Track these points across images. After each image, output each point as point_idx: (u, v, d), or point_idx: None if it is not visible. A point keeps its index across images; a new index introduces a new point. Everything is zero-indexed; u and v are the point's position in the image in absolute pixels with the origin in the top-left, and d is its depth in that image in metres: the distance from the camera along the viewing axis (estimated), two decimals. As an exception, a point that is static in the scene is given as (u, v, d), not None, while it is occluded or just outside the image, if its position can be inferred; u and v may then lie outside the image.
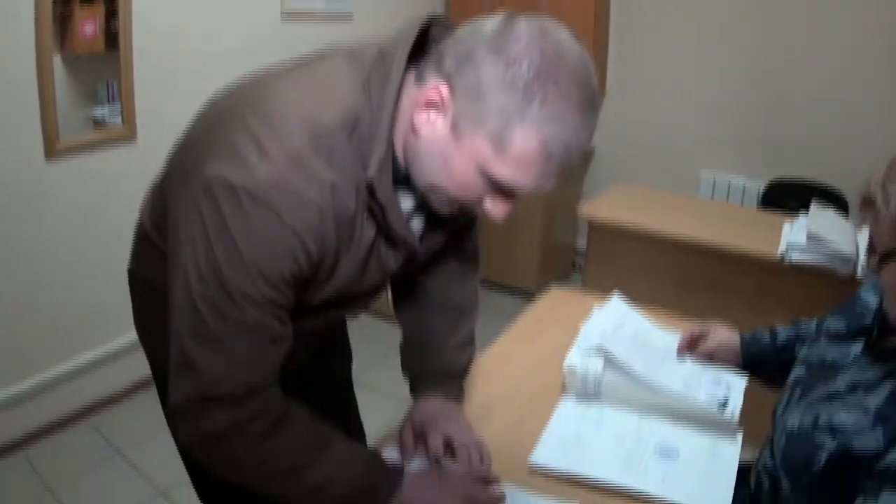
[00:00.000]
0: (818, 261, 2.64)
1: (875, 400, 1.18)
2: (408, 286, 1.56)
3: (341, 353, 1.80)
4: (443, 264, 1.54)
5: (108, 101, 2.91)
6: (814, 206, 2.94)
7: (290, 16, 3.58)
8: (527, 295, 4.10)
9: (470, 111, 1.04)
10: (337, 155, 1.08)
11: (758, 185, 3.95)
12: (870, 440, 1.13)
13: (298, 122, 1.06)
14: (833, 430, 1.19)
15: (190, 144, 1.17)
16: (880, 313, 1.30)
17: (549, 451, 1.47)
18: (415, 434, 1.46)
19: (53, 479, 2.80)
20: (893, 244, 1.11)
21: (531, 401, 1.65)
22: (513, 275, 4.31)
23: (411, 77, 1.13)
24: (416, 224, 1.28)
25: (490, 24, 1.06)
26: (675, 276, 3.01)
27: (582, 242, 4.08)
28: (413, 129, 1.11)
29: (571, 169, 4.04)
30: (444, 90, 1.06)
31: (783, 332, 1.65)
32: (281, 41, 3.51)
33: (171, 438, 1.28)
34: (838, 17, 3.61)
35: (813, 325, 1.60)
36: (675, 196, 3.52)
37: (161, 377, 1.19)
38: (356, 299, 1.31)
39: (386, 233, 1.19)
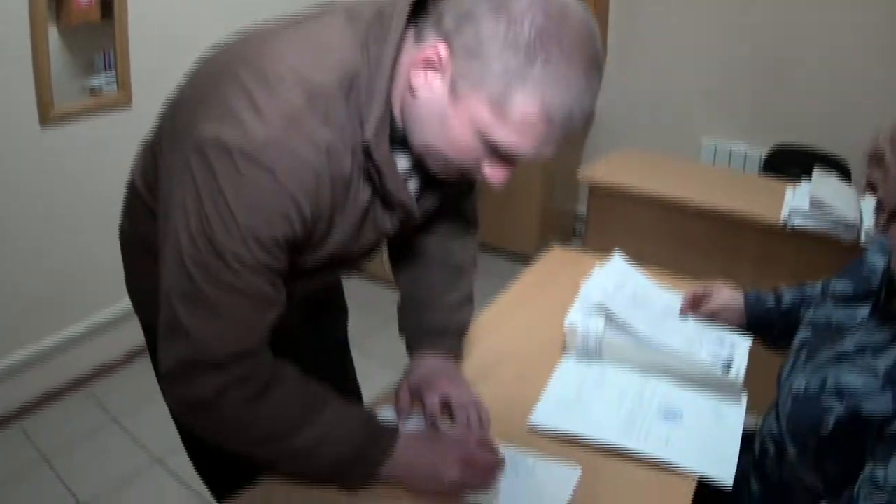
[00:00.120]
0: (821, 227, 2.62)
1: (885, 362, 1.16)
2: (406, 246, 1.53)
3: (337, 314, 1.77)
4: (441, 224, 1.51)
5: (105, 70, 2.89)
6: (817, 173, 2.92)
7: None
8: (526, 260, 4.08)
9: (469, 72, 1.02)
10: (333, 115, 1.05)
11: (759, 152, 3.92)
12: (879, 403, 1.11)
13: (294, 80, 1.03)
14: (841, 393, 1.16)
15: (182, 102, 1.14)
16: (888, 275, 1.28)
17: (549, 412, 1.44)
18: (411, 394, 1.43)
19: (50, 449, 2.80)
20: None
21: (531, 360, 1.62)
22: (512, 240, 4.29)
23: (410, 36, 1.10)
24: (413, 185, 1.26)
25: None
26: (676, 241, 2.99)
27: (582, 209, 4.06)
28: (410, 90, 1.09)
29: (573, 135, 4.05)
30: (443, 49, 1.04)
31: (788, 293, 1.62)
32: (280, 3, 3.45)
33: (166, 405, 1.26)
34: (842, -18, 3.56)
35: (818, 287, 1.58)
36: (677, 161, 3.49)
37: (153, 341, 1.17)
38: (351, 261, 1.29)
39: (382, 195, 1.17)
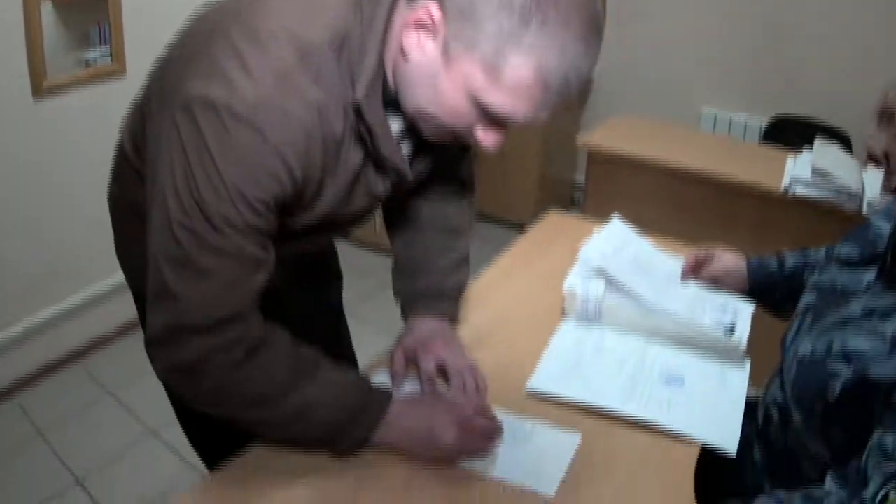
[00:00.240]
0: (823, 196, 2.60)
1: (892, 326, 1.13)
2: (401, 209, 1.51)
3: (331, 280, 1.75)
4: (437, 188, 1.49)
5: (101, 43, 2.88)
6: (818, 142, 2.89)
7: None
8: (523, 229, 4.08)
9: (462, 34, 0.99)
10: (325, 74, 1.04)
11: (759, 123, 3.89)
12: (888, 368, 1.09)
13: (286, 38, 1.01)
14: (848, 357, 1.14)
15: (171, 62, 1.11)
16: (894, 239, 1.25)
17: (548, 377, 1.42)
18: (406, 357, 1.41)
19: (45, 423, 2.80)
20: None
21: (529, 325, 1.60)
22: (509, 208, 4.28)
23: None
24: (406, 148, 1.24)
25: None
26: (676, 208, 2.97)
27: (580, 177, 4.03)
28: (402, 53, 1.06)
29: (570, 101, 4.01)
30: (435, 10, 1.01)
31: (791, 257, 1.60)
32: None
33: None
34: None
35: (822, 252, 1.56)
36: (677, 128, 3.47)
37: (143, 307, 1.15)
38: (341, 225, 1.27)
39: (374, 157, 1.15)
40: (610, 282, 1.56)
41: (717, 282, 1.63)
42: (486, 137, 1.10)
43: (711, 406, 1.37)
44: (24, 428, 2.77)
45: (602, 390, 1.38)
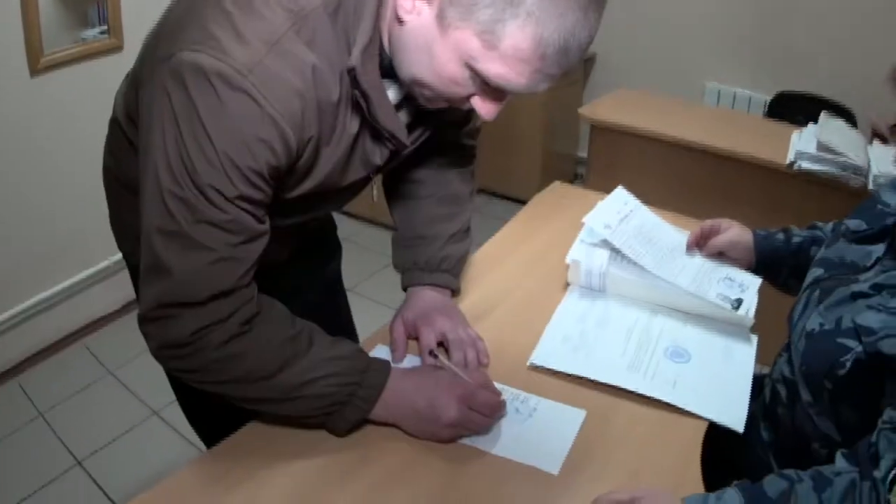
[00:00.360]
0: (829, 170, 2.57)
1: None
2: (401, 178, 1.49)
3: (329, 251, 1.73)
4: (437, 155, 1.47)
5: (100, 22, 2.86)
6: (823, 117, 2.86)
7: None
8: (526, 204, 4.08)
9: (458, 0, 0.96)
10: (319, 38, 1.02)
11: (763, 98, 3.87)
12: None
13: (279, 2, 0.99)
14: (858, 334, 1.12)
15: (163, 29, 1.09)
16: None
17: (551, 351, 1.40)
18: (406, 331, 1.39)
19: (45, 403, 2.79)
20: None
21: (532, 297, 1.58)
22: (512, 184, 4.26)
23: None
24: (403, 117, 1.21)
25: None
26: (680, 181, 2.95)
27: (583, 152, 4.00)
28: (397, 18, 1.04)
29: (571, 75, 3.97)
30: None
31: (798, 232, 1.57)
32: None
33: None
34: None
35: (829, 227, 1.53)
36: (681, 101, 3.44)
37: (139, 282, 1.13)
38: (338, 194, 1.24)
39: (371, 125, 1.13)
40: (614, 252, 1.54)
41: (723, 255, 1.60)
42: (482, 107, 1.08)
43: (718, 382, 1.35)
44: (24, 408, 2.76)
45: (607, 364, 1.36)
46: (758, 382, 1.39)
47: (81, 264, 3.07)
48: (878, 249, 1.28)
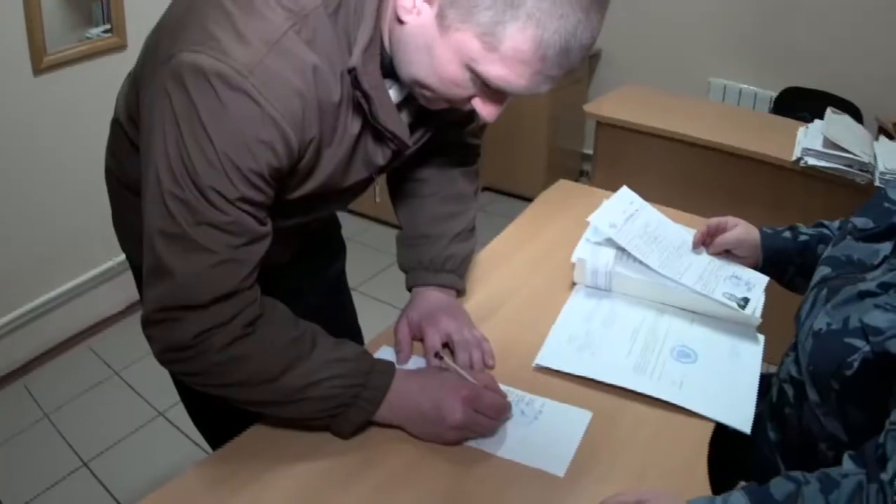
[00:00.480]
0: (835, 167, 2.56)
1: None
2: (405, 176, 1.48)
3: (332, 251, 1.72)
4: (442, 154, 1.46)
5: (105, 20, 2.86)
6: (829, 113, 2.85)
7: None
8: (531, 202, 4.07)
9: (458, 1, 0.96)
10: (320, 38, 1.01)
11: (769, 95, 3.87)
12: None
13: (278, 1, 0.99)
14: (866, 333, 1.11)
15: (164, 29, 1.08)
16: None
17: (557, 352, 1.39)
18: (411, 332, 1.39)
19: (51, 405, 2.80)
20: None
21: (538, 296, 1.58)
22: (517, 181, 4.26)
23: None
24: (405, 116, 1.21)
25: None
26: (686, 178, 2.95)
27: (589, 149, 4.01)
28: (398, 18, 1.03)
29: (576, 72, 3.96)
30: None
31: (805, 230, 1.56)
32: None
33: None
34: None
35: (836, 224, 1.53)
36: (686, 97, 3.45)
37: (142, 284, 1.13)
38: (340, 195, 1.24)
39: (373, 126, 1.12)
40: (620, 251, 1.54)
41: (729, 253, 1.59)
42: (483, 108, 1.08)
43: (725, 383, 1.34)
44: (30, 409, 2.77)
45: (613, 365, 1.36)
46: (765, 382, 1.39)
47: (86, 265, 3.07)
48: (885, 248, 1.27)
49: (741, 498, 1.02)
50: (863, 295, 1.17)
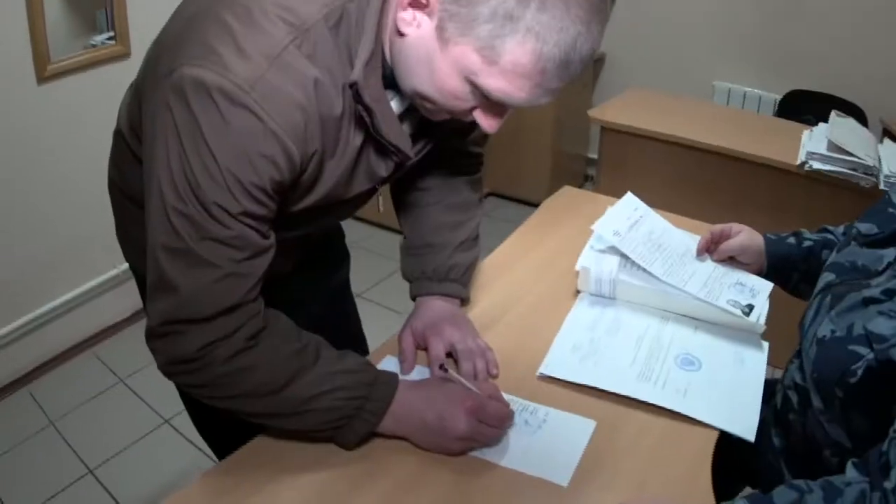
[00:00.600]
0: (840, 170, 2.56)
1: None
2: (408, 186, 1.48)
3: (336, 259, 1.72)
4: (445, 163, 1.46)
5: (109, 27, 2.87)
6: (834, 116, 2.84)
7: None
8: (536, 207, 4.07)
9: (457, 14, 0.96)
10: (321, 52, 1.01)
11: (773, 98, 3.87)
12: None
13: (279, 16, 0.99)
14: (870, 341, 1.10)
15: (165, 42, 1.08)
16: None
17: (561, 361, 1.39)
18: (415, 341, 1.39)
19: (57, 412, 2.80)
20: None
21: (542, 304, 1.57)
22: (521, 186, 4.27)
23: None
24: (408, 127, 1.21)
25: None
26: (690, 182, 2.94)
27: (594, 154, 4.01)
28: (398, 31, 1.03)
29: (580, 78, 3.96)
30: None
31: (809, 235, 1.56)
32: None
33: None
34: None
35: (840, 230, 1.52)
36: (690, 101, 3.44)
37: (146, 293, 1.13)
38: (343, 206, 1.24)
39: (376, 138, 1.12)
40: (625, 259, 1.53)
41: (733, 260, 1.59)
42: (484, 120, 1.08)
43: (729, 391, 1.33)
44: (35, 417, 2.77)
45: (616, 374, 1.35)
46: (769, 387, 1.38)
47: (90, 273, 3.08)
48: (890, 253, 1.26)
49: None
50: (867, 302, 1.17)
